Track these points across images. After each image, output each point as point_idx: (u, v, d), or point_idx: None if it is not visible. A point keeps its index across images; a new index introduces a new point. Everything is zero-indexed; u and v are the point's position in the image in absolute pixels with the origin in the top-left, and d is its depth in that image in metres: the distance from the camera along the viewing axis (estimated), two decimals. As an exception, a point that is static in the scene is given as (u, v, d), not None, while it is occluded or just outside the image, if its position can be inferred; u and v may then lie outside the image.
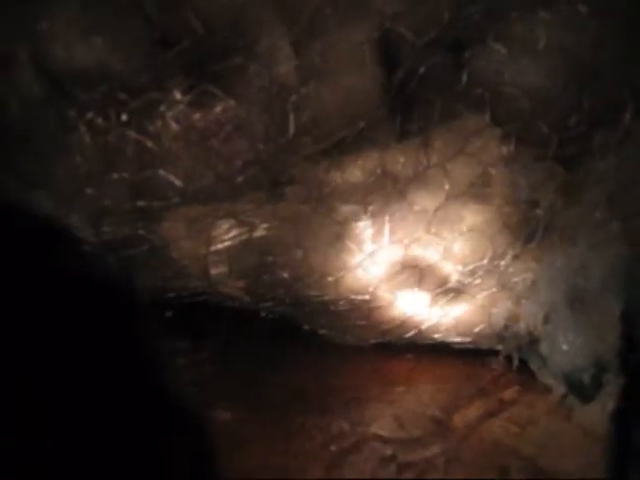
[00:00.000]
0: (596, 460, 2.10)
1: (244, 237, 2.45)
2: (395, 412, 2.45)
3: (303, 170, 2.33)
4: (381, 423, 2.39)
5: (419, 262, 2.56)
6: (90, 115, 2.16)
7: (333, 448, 2.26)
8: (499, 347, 2.76)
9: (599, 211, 2.52)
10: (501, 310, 2.71)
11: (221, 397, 2.34)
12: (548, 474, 2.24)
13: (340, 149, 2.33)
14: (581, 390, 2.54)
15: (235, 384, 2.44)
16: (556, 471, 2.26)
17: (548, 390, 2.61)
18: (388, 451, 2.25)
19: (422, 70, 2.26)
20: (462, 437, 2.37)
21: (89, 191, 2.26)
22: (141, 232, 2.39)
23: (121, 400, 0.55)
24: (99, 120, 2.17)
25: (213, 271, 2.51)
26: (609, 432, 2.11)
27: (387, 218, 2.42)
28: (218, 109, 2.16)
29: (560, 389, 2.60)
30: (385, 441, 2.30)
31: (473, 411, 2.51)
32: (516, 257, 2.60)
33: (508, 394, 2.63)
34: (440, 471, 2.19)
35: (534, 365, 2.70)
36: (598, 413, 2.33)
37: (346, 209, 2.41)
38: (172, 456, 0.59)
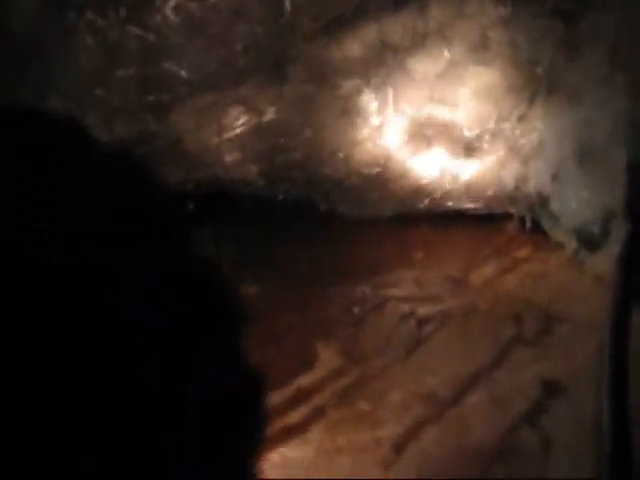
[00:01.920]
0: (604, 304, 2.18)
1: (254, 122, 2.51)
2: (414, 275, 2.55)
3: (303, 50, 2.36)
4: (401, 285, 2.49)
5: (425, 130, 2.60)
6: (89, 15, 2.20)
7: (356, 311, 2.38)
8: (511, 210, 2.82)
9: (602, 66, 2.52)
10: (510, 172, 2.76)
11: (246, 274, 2.45)
12: (560, 320, 2.36)
13: (338, 25, 2.34)
14: (591, 241, 2.61)
15: (259, 262, 2.52)
16: (567, 317, 2.37)
17: (560, 247, 2.68)
18: (407, 308, 2.36)
19: None
20: (478, 292, 2.47)
21: (98, 91, 2.32)
22: (153, 127, 2.46)
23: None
24: (98, 19, 2.21)
25: (227, 158, 2.58)
26: (615, 275, 2.19)
27: (390, 89, 2.45)
28: (214, -5, 2.18)
29: (572, 244, 2.67)
30: (405, 300, 2.41)
31: (488, 269, 2.60)
32: (521, 118, 2.63)
33: (522, 253, 2.71)
34: (458, 322, 2.31)
35: (546, 224, 2.76)
36: (607, 260, 2.41)
37: (349, 84, 2.44)
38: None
